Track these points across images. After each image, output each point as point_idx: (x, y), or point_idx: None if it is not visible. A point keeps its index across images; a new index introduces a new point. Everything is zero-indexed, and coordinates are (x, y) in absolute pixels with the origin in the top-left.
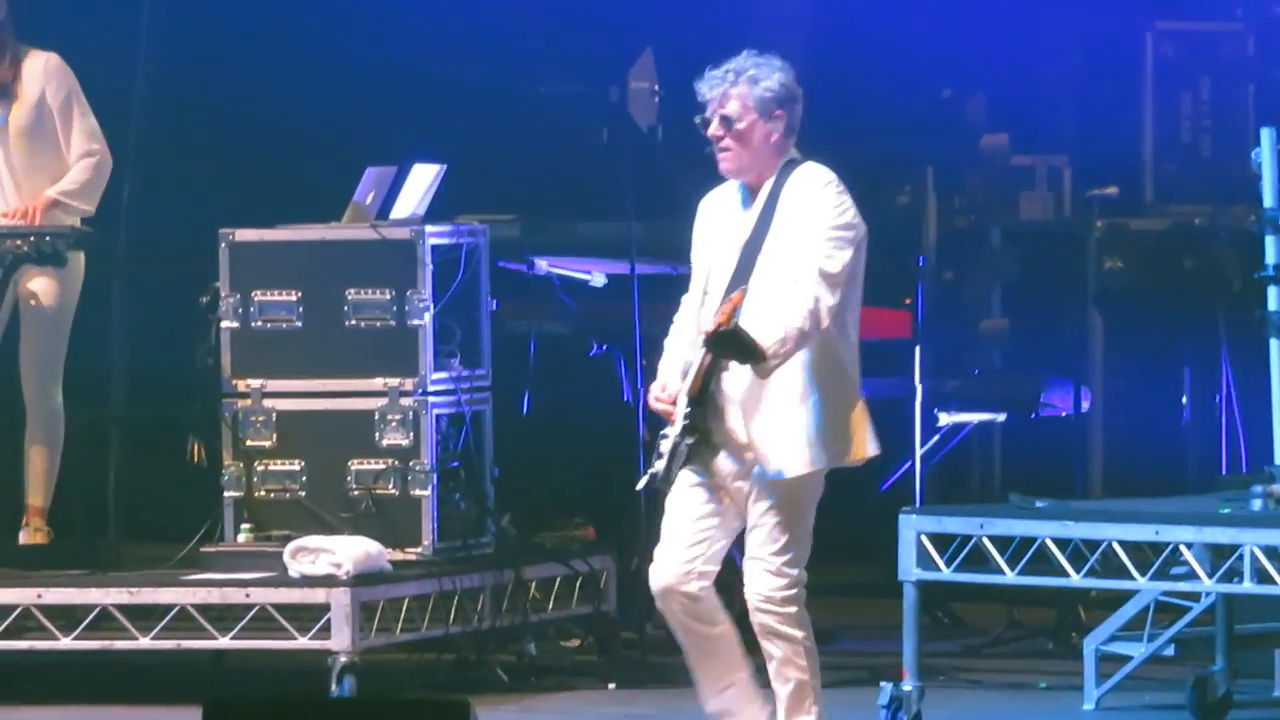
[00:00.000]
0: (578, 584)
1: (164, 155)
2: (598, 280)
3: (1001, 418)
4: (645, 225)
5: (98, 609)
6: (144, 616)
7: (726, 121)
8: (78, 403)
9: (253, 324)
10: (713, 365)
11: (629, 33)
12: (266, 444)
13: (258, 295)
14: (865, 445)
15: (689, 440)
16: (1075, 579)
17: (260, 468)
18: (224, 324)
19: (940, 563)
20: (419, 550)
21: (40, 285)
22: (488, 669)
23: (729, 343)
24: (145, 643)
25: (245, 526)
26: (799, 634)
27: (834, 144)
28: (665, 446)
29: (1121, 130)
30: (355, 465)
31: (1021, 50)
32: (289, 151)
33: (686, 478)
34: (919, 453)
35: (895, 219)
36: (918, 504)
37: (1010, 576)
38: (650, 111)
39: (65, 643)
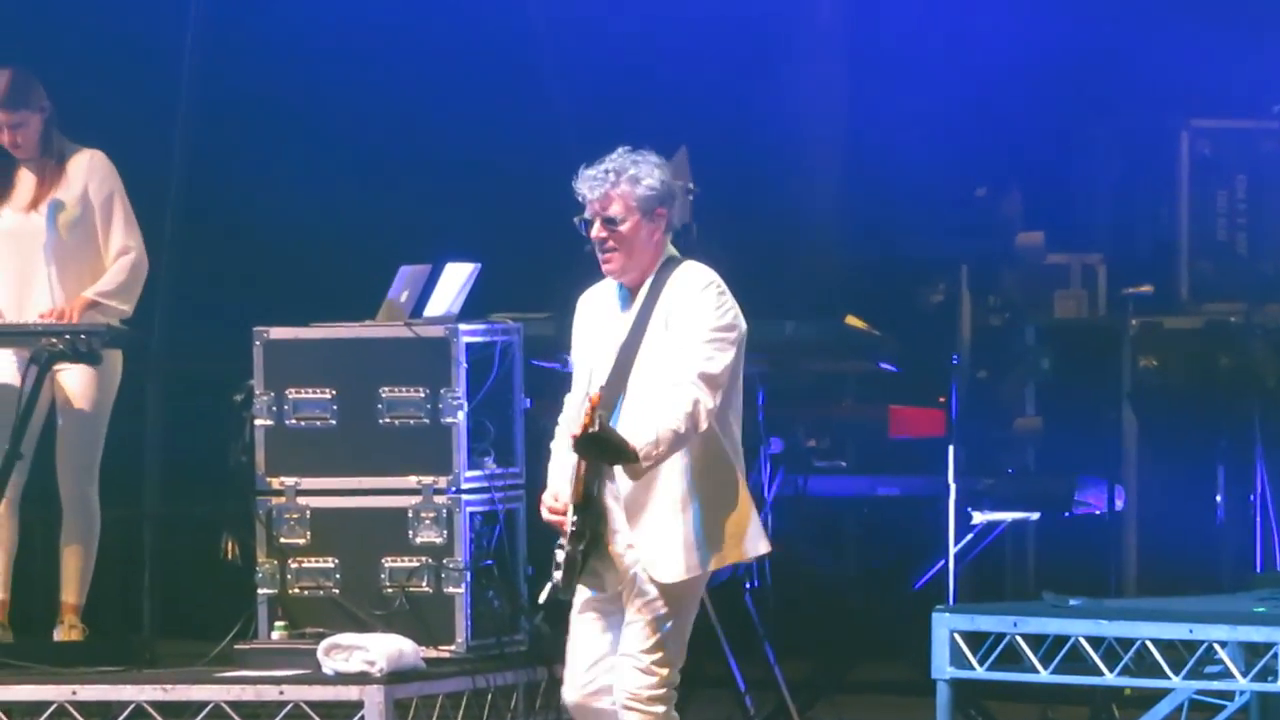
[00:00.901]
0: None
1: (198, 253)
2: None
3: (1035, 516)
4: None
5: (132, 706)
6: (178, 714)
7: (610, 223)
8: (112, 500)
9: (287, 422)
10: (593, 469)
11: (663, 131)
12: (300, 541)
13: (292, 393)
14: (752, 544)
15: (580, 547)
16: (1109, 677)
17: (294, 565)
18: (258, 422)
19: (974, 661)
20: (453, 648)
21: (77, 384)
22: None
23: (596, 445)
24: None
25: (279, 624)
26: None
27: (868, 241)
28: (560, 556)
29: (1157, 228)
30: (389, 563)
31: (1057, 148)
32: (323, 250)
33: (583, 591)
34: (952, 551)
35: (929, 317)
36: (951, 602)
37: (1044, 675)
38: (685, 210)
39: None
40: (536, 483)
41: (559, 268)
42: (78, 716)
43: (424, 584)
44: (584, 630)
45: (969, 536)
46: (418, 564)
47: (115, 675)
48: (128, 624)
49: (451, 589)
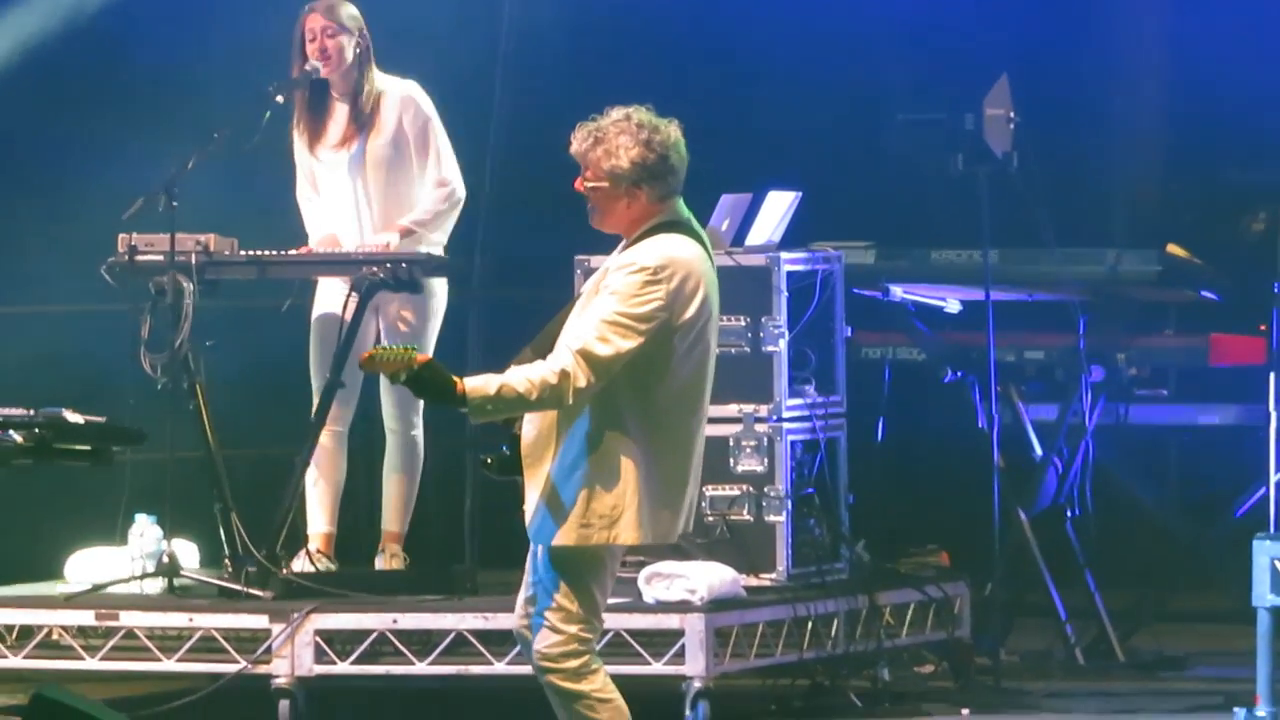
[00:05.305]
0: (932, 610)
1: (519, 182)
2: (952, 307)
3: None
4: (1000, 252)
5: (453, 634)
6: (499, 642)
7: (587, 183)
8: (435, 430)
9: None
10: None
11: (985, 60)
12: None
13: None
14: (625, 531)
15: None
16: None
17: None
18: None
19: None
20: (773, 576)
21: (401, 312)
22: (841, 695)
23: (417, 382)
24: (500, 668)
25: None
26: (580, 687)
27: (1190, 170)
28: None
29: None
30: (710, 491)
31: None
32: None
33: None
34: (1274, 479)
35: (1251, 245)
36: (1272, 529)
37: None
38: (1006, 138)
39: (420, 667)
40: (858, 411)
41: (881, 197)
42: (398, 644)
43: (745, 512)
44: (529, 563)
45: None
46: (739, 492)
47: (436, 604)
48: (450, 553)
49: (772, 517)
